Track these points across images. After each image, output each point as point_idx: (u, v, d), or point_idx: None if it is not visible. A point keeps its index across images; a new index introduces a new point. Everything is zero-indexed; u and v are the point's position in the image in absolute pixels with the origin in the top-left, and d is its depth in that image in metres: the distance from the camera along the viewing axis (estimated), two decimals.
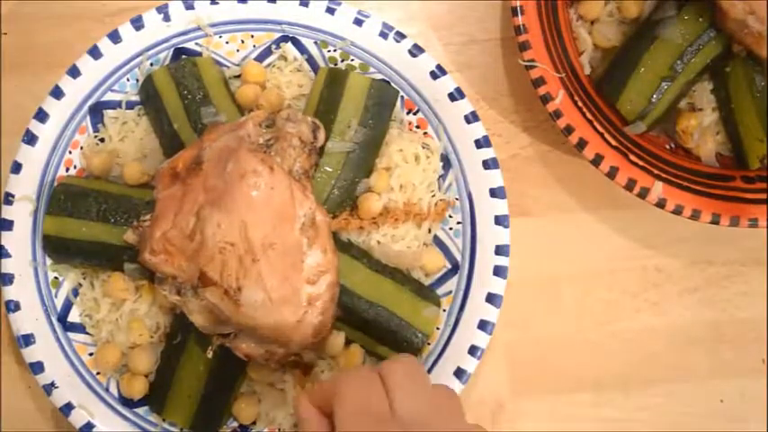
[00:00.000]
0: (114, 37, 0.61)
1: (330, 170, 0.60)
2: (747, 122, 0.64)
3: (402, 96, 0.64)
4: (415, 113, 0.64)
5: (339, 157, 0.60)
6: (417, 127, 0.64)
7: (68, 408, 0.59)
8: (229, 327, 0.57)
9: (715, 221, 0.62)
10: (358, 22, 0.63)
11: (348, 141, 0.60)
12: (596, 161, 0.62)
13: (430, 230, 0.64)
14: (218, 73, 0.63)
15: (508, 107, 0.70)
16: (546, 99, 0.62)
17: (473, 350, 0.60)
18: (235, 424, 0.62)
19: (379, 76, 0.63)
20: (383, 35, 0.63)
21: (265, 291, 0.54)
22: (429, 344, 0.61)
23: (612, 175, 0.62)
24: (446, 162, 0.63)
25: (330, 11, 0.63)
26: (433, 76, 0.63)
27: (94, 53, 0.60)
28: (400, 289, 0.60)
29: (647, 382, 0.68)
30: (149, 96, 0.62)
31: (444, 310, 0.62)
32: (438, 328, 0.62)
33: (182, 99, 0.60)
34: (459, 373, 0.60)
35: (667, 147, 0.67)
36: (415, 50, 0.63)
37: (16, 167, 0.60)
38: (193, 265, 0.55)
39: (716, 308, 0.69)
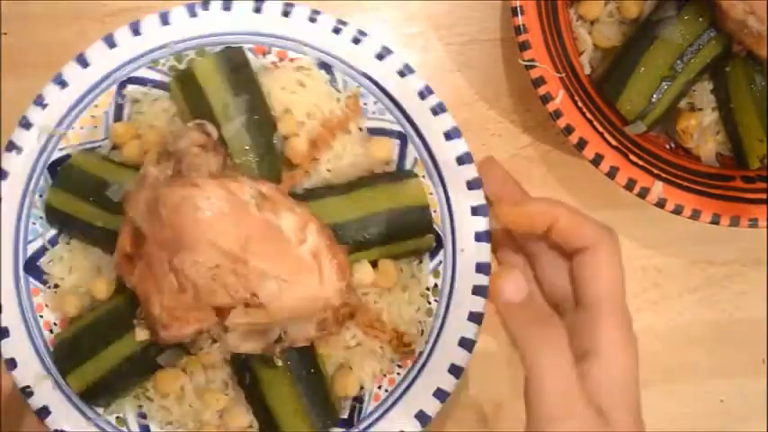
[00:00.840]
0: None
1: (245, 148, 0.58)
2: (747, 122, 0.64)
3: (250, 47, 0.61)
4: (267, 54, 0.61)
5: (239, 134, 0.58)
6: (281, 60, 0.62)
7: None
8: (275, 330, 0.56)
9: (715, 221, 0.62)
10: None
11: (235, 118, 0.58)
12: (596, 161, 0.62)
13: (361, 129, 0.62)
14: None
15: (508, 107, 0.70)
16: (546, 99, 0.62)
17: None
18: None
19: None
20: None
21: (274, 278, 0.54)
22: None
23: (612, 175, 0.62)
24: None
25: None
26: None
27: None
28: (375, 189, 0.59)
29: (647, 382, 0.68)
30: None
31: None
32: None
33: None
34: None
35: (667, 147, 0.67)
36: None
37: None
38: (205, 309, 0.55)
39: (716, 308, 0.69)
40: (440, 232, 0.60)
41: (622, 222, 0.69)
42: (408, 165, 0.61)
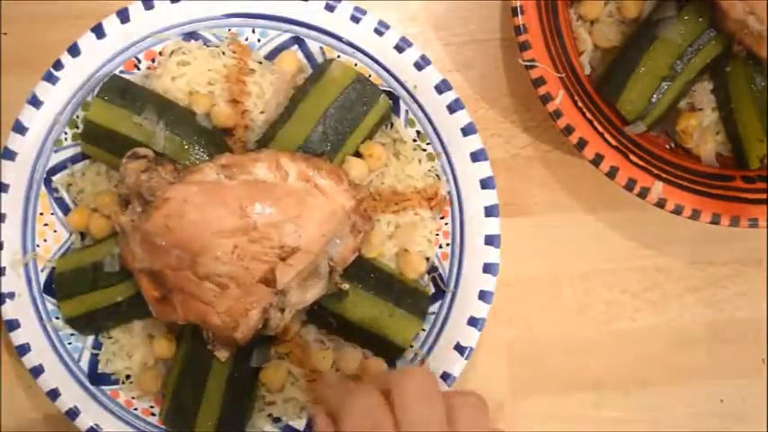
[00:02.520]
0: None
1: (183, 146, 0.60)
2: (747, 122, 0.64)
3: (120, 68, 0.63)
4: (138, 64, 0.63)
5: (168, 139, 0.59)
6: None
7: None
8: (322, 263, 0.57)
9: (715, 221, 0.62)
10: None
11: (155, 130, 0.59)
12: (596, 161, 0.62)
13: (260, 62, 0.63)
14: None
15: (508, 107, 0.70)
16: (546, 99, 0.62)
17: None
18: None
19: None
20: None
21: (287, 221, 0.55)
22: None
23: (612, 175, 0.62)
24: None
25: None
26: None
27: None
28: (308, 96, 0.61)
29: (648, 382, 0.68)
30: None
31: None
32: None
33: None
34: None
35: (667, 147, 0.67)
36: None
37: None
38: (254, 288, 0.55)
39: (716, 308, 0.69)
40: (397, 95, 0.63)
41: (622, 222, 0.69)
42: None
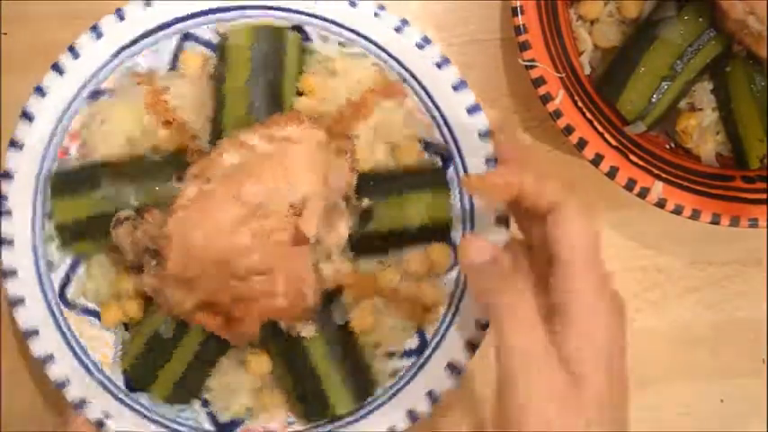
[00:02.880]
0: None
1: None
2: (747, 122, 0.64)
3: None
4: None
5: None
6: None
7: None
8: (332, 197, 0.57)
9: (715, 221, 0.62)
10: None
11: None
12: (596, 161, 0.62)
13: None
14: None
15: (508, 107, 0.70)
16: (546, 99, 0.62)
17: None
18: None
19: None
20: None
21: (280, 180, 0.55)
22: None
23: (612, 175, 0.62)
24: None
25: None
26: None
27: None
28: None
29: (647, 382, 0.68)
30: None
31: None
32: None
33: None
34: None
35: (667, 147, 0.67)
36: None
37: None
38: (297, 254, 0.55)
39: (716, 308, 0.69)
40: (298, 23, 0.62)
41: (622, 222, 0.69)
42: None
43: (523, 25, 0.62)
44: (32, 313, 0.59)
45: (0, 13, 0.68)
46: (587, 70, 0.67)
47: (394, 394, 0.60)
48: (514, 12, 0.62)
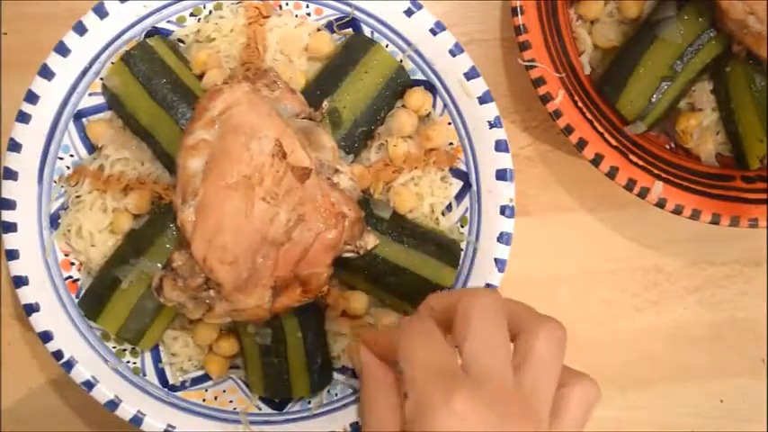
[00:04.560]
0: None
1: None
2: (747, 122, 0.64)
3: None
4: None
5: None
6: None
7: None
8: (319, 115, 0.59)
9: (715, 221, 0.62)
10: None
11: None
12: (596, 161, 0.62)
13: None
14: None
15: (508, 107, 0.70)
16: (546, 99, 0.62)
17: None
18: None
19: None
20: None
21: (272, 127, 0.56)
22: None
23: (612, 175, 0.62)
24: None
25: None
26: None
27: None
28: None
29: (647, 382, 0.68)
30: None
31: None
32: None
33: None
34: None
35: (667, 147, 0.67)
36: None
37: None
38: (313, 185, 0.56)
39: (716, 308, 0.69)
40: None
41: (622, 222, 0.69)
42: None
43: (523, 25, 0.62)
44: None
45: (0, 13, 0.68)
46: (587, 70, 0.67)
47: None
48: (514, 12, 0.62)
